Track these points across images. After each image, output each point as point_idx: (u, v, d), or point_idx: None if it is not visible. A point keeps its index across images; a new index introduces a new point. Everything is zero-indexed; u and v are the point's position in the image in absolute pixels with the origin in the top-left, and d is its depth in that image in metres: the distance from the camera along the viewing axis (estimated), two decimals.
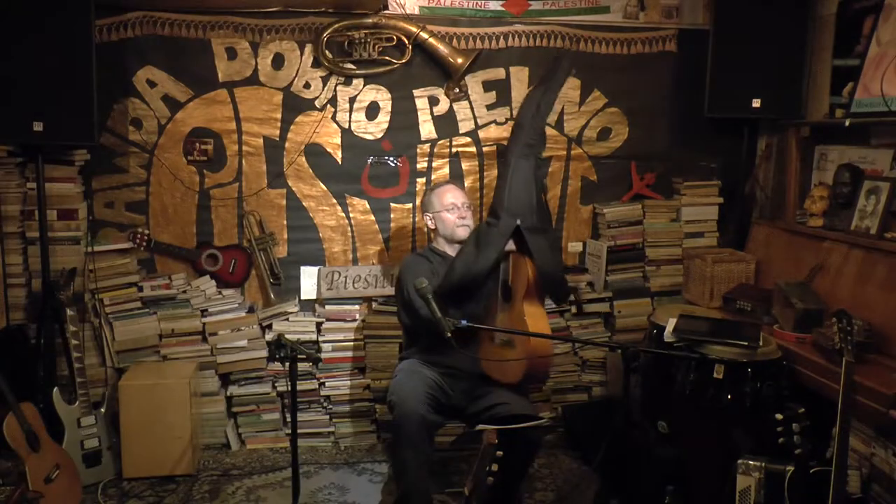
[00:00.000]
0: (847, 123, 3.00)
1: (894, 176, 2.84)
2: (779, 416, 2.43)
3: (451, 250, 2.98)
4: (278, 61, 3.41)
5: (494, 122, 3.57)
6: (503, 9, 3.51)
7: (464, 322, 2.33)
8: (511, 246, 2.81)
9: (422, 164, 3.57)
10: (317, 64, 3.42)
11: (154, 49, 3.32)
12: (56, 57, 2.92)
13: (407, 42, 3.39)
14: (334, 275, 3.51)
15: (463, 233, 2.94)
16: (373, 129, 3.51)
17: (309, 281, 3.55)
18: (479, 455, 2.11)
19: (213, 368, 3.38)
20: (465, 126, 3.56)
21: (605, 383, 3.64)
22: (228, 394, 3.42)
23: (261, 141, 3.46)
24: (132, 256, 3.37)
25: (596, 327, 3.63)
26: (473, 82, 3.52)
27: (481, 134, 3.57)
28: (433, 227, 3.02)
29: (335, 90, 3.46)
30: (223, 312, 3.41)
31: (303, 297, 3.56)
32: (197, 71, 3.37)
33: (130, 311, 3.33)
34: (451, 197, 2.96)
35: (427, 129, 3.54)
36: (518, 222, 2.78)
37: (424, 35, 3.38)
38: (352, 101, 3.48)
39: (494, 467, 2.06)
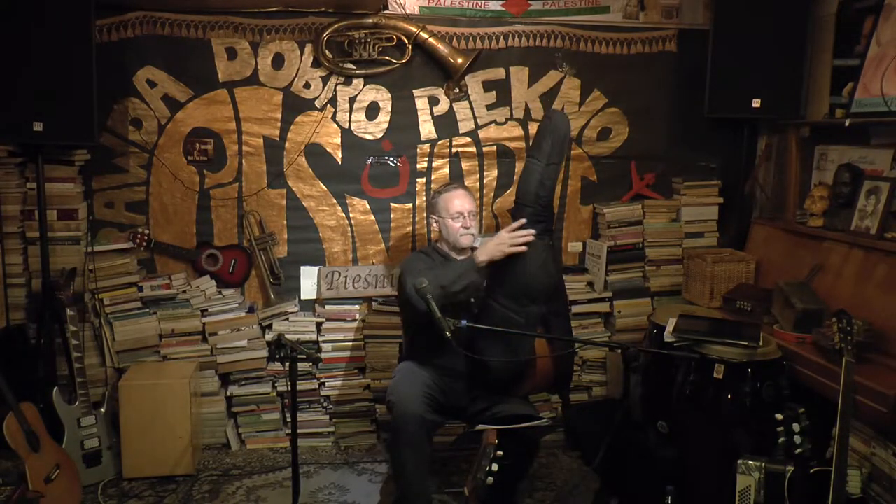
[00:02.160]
0: (847, 123, 3.00)
1: (894, 176, 2.84)
2: (779, 416, 2.44)
3: (453, 253, 2.98)
4: (278, 61, 3.41)
5: (494, 122, 3.57)
6: (503, 9, 3.51)
7: (464, 322, 2.33)
8: None
9: (422, 164, 3.57)
10: (317, 64, 3.42)
11: (154, 49, 3.32)
12: (56, 57, 2.92)
13: (407, 42, 3.39)
14: (334, 275, 3.51)
15: (466, 241, 2.90)
16: (373, 129, 3.51)
17: (309, 281, 3.55)
18: (479, 455, 2.12)
19: (213, 368, 3.38)
20: (465, 126, 3.56)
21: (605, 383, 3.64)
22: (228, 394, 3.42)
23: (261, 141, 3.46)
24: (132, 256, 3.37)
25: (596, 327, 3.63)
26: (473, 82, 3.52)
27: (481, 134, 3.57)
28: (437, 229, 2.99)
29: (335, 90, 3.46)
30: (223, 312, 3.41)
31: (303, 297, 3.56)
32: (197, 71, 3.37)
33: (130, 311, 3.33)
34: (459, 205, 2.89)
35: (427, 129, 3.54)
36: (543, 310, 2.71)
37: (424, 35, 3.38)
38: (352, 101, 3.48)
39: (494, 467, 2.06)
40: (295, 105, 3.45)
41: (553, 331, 2.74)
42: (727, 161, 3.64)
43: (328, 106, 3.47)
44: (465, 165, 3.59)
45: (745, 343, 2.52)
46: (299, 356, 2.47)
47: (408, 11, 3.42)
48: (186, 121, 3.40)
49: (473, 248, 3.01)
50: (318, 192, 3.53)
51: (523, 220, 2.71)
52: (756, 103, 3.28)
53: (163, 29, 3.31)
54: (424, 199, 3.58)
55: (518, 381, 2.78)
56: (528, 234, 2.65)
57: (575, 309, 3.58)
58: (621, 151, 3.67)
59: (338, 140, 3.50)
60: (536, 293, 2.68)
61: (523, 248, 2.64)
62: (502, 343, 2.65)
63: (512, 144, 3.59)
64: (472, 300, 2.74)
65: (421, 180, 3.58)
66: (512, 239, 2.64)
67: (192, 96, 3.39)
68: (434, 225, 2.99)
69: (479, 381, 2.78)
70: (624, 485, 2.75)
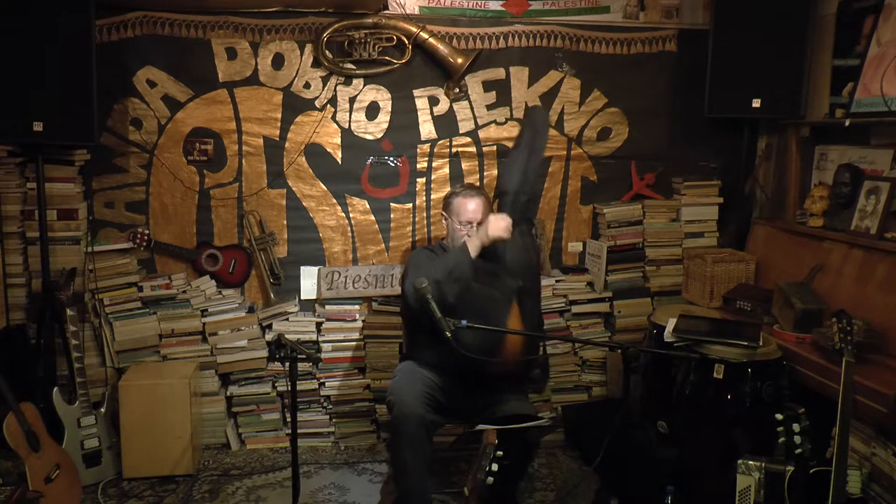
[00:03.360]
0: (847, 123, 3.00)
1: (894, 176, 2.84)
2: (779, 416, 2.43)
3: None
4: (278, 61, 3.41)
5: (494, 122, 3.57)
6: (503, 9, 3.51)
7: (463, 322, 2.32)
8: None
9: (422, 164, 3.57)
10: (317, 64, 3.42)
11: (154, 49, 3.32)
12: (56, 57, 2.92)
13: (407, 42, 3.39)
14: (334, 275, 3.51)
15: None
16: (373, 129, 3.51)
17: (309, 281, 3.55)
18: (478, 455, 2.12)
19: (213, 368, 3.38)
20: (465, 126, 3.56)
21: (605, 383, 3.64)
22: (228, 394, 3.42)
23: (261, 141, 3.46)
24: (132, 256, 3.37)
25: (596, 327, 3.63)
26: (473, 82, 3.52)
27: (481, 134, 3.57)
28: (445, 227, 3.02)
29: (335, 90, 3.46)
30: (223, 312, 3.41)
31: (303, 297, 3.56)
32: (197, 71, 3.37)
33: (130, 311, 3.33)
34: (472, 213, 2.92)
35: (427, 129, 3.54)
36: (520, 283, 2.84)
37: (424, 35, 3.38)
38: (352, 101, 3.48)
39: (494, 467, 2.07)
40: (295, 105, 3.45)
41: (524, 308, 2.83)
42: (727, 161, 3.64)
43: (328, 106, 3.46)
44: (465, 165, 3.59)
45: (745, 343, 2.52)
46: (299, 356, 2.47)
47: (408, 11, 3.42)
48: (186, 121, 3.40)
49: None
50: (318, 192, 3.53)
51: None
52: (756, 103, 3.28)
53: (163, 29, 3.31)
54: (424, 199, 3.58)
55: (492, 353, 2.78)
56: (507, 221, 2.78)
57: (575, 309, 3.59)
58: (621, 151, 3.67)
59: (338, 140, 3.50)
60: (514, 270, 2.85)
61: (507, 236, 2.77)
62: (480, 318, 2.65)
63: (512, 144, 3.58)
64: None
65: (421, 180, 3.58)
66: (497, 222, 2.77)
67: (192, 96, 3.39)
68: (444, 222, 3.02)
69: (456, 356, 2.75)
70: (624, 485, 2.75)
